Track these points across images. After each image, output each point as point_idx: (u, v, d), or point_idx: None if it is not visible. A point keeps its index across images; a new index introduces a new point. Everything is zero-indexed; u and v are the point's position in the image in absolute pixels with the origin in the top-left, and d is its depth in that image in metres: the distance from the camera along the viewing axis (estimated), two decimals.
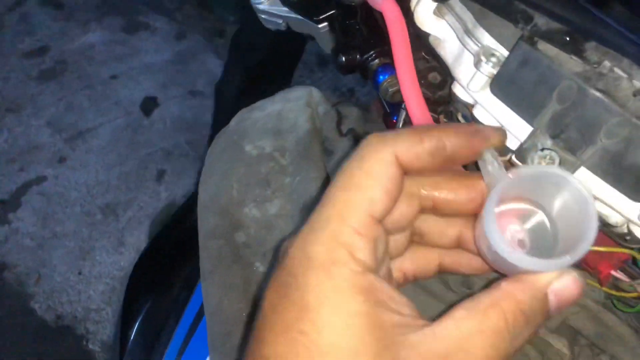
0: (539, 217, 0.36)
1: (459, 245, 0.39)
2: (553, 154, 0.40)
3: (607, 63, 0.36)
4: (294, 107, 0.76)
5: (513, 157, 0.43)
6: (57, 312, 2.00)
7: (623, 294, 0.50)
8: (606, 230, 0.49)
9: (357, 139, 0.69)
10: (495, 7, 0.42)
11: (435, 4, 0.50)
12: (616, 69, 0.36)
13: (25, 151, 2.39)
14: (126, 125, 2.50)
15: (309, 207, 0.64)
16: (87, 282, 2.07)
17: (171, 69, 2.71)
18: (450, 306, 0.31)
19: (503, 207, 0.36)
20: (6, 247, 2.12)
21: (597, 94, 0.37)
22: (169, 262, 0.76)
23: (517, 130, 0.43)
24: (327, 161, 0.70)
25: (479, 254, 0.38)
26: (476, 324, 0.29)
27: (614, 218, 0.44)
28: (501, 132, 0.36)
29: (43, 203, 2.24)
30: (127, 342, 0.69)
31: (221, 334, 0.60)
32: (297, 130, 0.72)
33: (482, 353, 0.29)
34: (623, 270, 0.50)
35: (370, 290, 0.30)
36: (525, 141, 0.41)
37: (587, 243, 0.31)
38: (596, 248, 0.50)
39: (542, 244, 0.36)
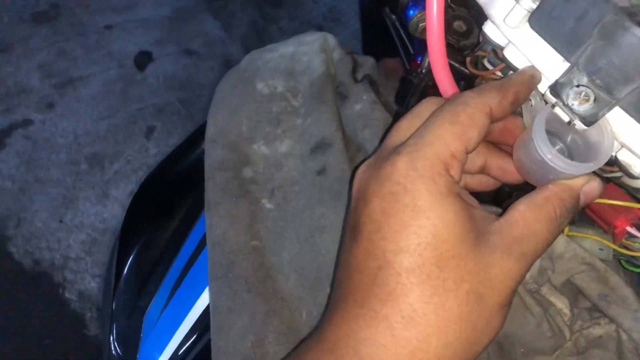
0: (560, 144, 0.46)
1: (482, 171, 0.49)
2: (588, 90, 0.40)
3: None
4: (308, 50, 0.74)
5: (547, 93, 0.42)
6: (34, 257, 1.97)
7: (633, 253, 0.51)
8: (625, 183, 0.49)
9: (372, 85, 0.68)
10: None
11: None
12: None
13: (13, 93, 2.33)
14: (118, 77, 2.44)
15: (320, 148, 0.63)
16: (67, 230, 2.04)
17: (168, 25, 2.65)
18: None
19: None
20: None
21: None
22: (170, 193, 0.75)
23: (552, 68, 0.43)
24: (340, 105, 0.69)
25: (503, 174, 0.48)
26: (535, 214, 0.40)
27: (638, 168, 0.43)
28: (539, 72, 0.44)
29: (28, 147, 2.20)
30: (123, 269, 0.68)
31: (224, 264, 0.59)
32: (311, 73, 0.71)
33: (542, 235, 0.40)
34: (638, 227, 0.50)
35: (462, 194, 0.40)
36: (562, 76, 0.40)
37: (606, 153, 0.40)
38: (614, 202, 0.50)
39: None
